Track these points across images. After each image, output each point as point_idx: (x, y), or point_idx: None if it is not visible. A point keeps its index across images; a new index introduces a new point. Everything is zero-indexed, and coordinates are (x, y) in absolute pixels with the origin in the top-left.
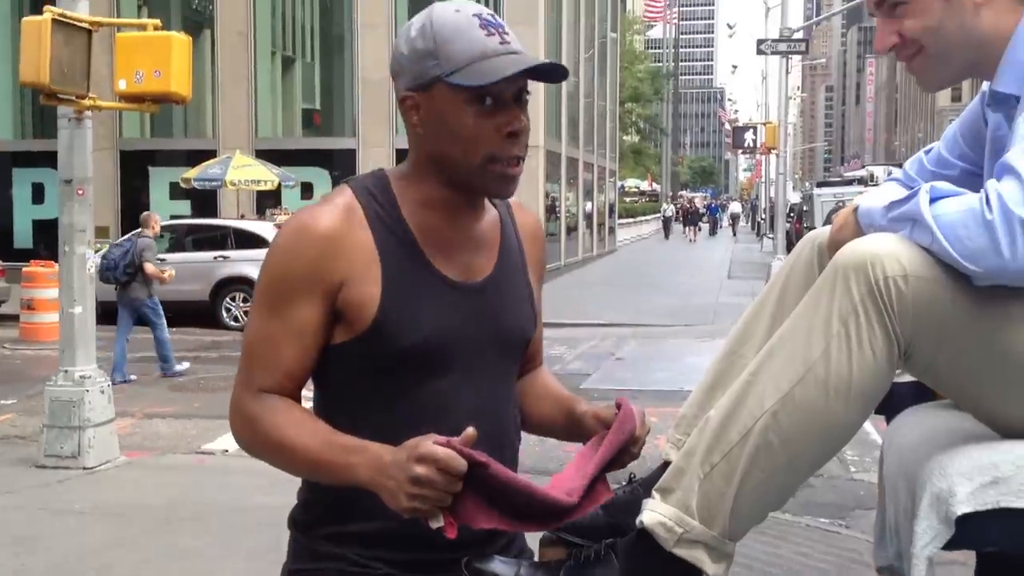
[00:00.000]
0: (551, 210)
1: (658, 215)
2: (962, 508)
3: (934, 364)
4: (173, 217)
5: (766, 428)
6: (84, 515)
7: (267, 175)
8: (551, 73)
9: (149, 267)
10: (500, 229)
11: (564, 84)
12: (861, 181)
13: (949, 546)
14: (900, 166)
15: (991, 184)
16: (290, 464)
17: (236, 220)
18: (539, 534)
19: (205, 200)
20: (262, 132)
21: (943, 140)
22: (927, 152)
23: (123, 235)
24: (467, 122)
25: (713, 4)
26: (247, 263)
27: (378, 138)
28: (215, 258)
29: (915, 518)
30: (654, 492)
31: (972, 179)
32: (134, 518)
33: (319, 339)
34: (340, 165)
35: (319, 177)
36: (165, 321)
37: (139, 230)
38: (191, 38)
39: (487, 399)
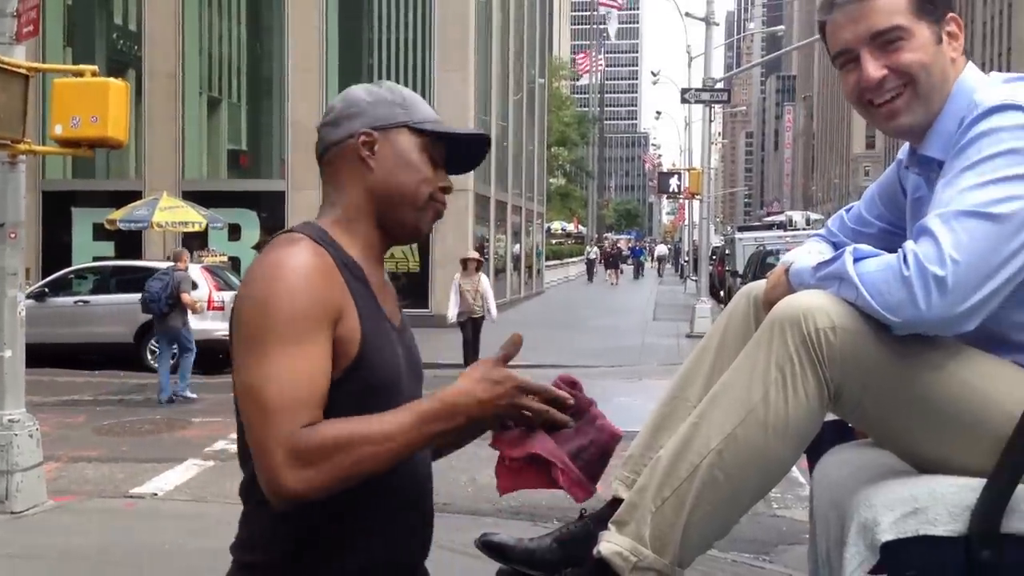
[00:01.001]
0: (480, 251)
1: (584, 257)
2: (885, 536)
3: (860, 406)
4: (96, 259)
5: (712, 465)
6: (14, 560)
7: (195, 216)
8: (484, 143)
9: (186, 297)
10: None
11: (493, 129)
12: (780, 226)
13: (874, 571)
14: (816, 209)
15: (909, 244)
16: (391, 452)
17: (163, 262)
18: None
19: (129, 242)
20: (189, 173)
21: (863, 201)
22: (848, 211)
23: (43, 277)
24: (422, 162)
25: (637, 51)
26: None
27: (309, 181)
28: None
29: (844, 546)
30: (610, 525)
31: (888, 237)
32: (66, 563)
33: (331, 370)
34: (268, 207)
35: (247, 219)
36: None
37: (177, 262)
38: (125, 82)
39: None
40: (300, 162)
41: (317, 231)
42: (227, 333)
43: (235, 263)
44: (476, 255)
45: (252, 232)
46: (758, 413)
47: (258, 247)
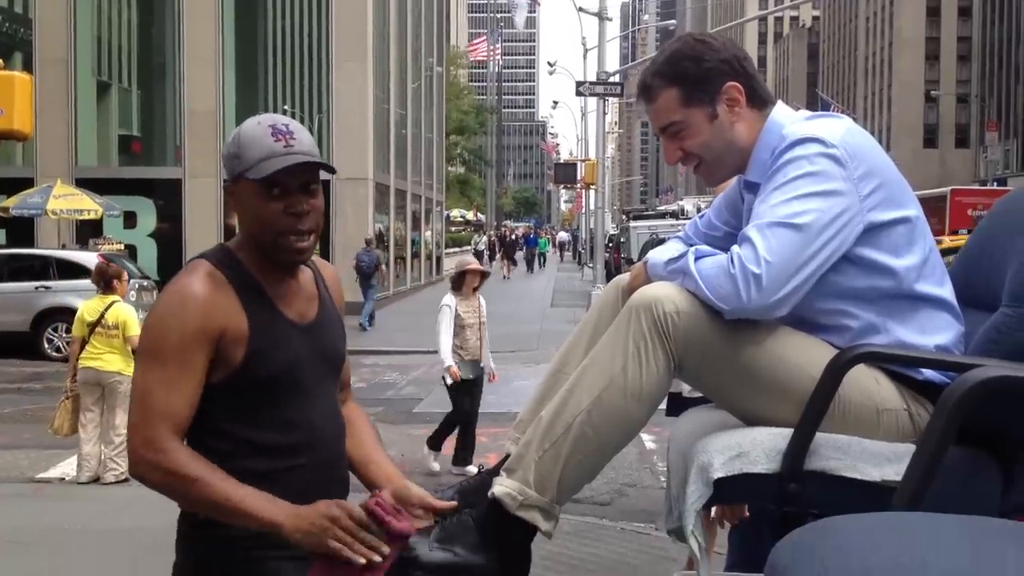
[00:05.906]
0: (380, 240)
1: (472, 248)
2: (717, 474)
3: (699, 374)
4: None
5: (583, 423)
6: None
7: (91, 205)
8: (319, 166)
9: (383, 268)
10: (315, 282)
11: (392, 116)
12: (673, 215)
13: (710, 502)
14: (708, 197)
15: (735, 248)
16: (201, 496)
17: (59, 250)
18: None
19: (21, 230)
20: (83, 160)
21: (712, 209)
22: (701, 217)
23: None
24: (259, 206)
25: (535, 40)
26: (70, 293)
27: (206, 169)
28: (36, 288)
29: (686, 484)
30: (502, 471)
31: (732, 239)
32: None
33: (203, 380)
34: (164, 195)
35: (143, 206)
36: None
37: (369, 246)
38: (29, 75)
39: (329, 410)
40: (196, 150)
41: (224, 253)
42: None
43: (131, 251)
44: (477, 264)
45: (148, 220)
46: (619, 381)
47: (154, 235)
